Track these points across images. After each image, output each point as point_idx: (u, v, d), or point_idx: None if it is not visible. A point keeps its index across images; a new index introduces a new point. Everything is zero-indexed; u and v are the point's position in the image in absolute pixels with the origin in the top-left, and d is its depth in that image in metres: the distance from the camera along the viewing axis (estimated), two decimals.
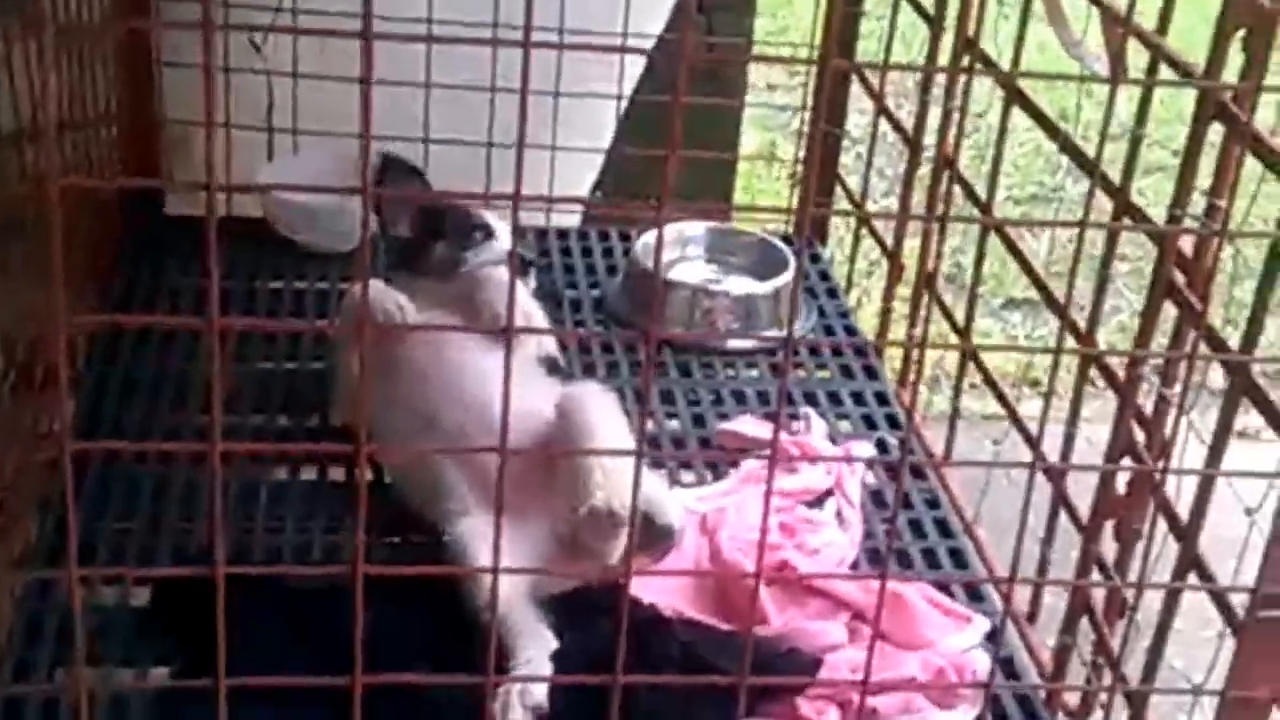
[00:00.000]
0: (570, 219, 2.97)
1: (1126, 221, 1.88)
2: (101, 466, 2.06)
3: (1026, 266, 2.22)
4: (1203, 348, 1.65)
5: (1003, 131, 2.21)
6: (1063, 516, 2.02)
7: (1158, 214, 1.94)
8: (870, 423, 2.38)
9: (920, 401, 2.57)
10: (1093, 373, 2.03)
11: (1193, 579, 1.65)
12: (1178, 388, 1.71)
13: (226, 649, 1.13)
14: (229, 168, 2.67)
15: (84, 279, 2.37)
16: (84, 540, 1.92)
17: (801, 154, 2.87)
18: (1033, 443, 2.08)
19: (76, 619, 1.14)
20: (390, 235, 2.23)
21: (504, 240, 2.21)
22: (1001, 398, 2.28)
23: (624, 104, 2.92)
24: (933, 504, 2.22)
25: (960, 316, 2.42)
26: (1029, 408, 3.11)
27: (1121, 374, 1.87)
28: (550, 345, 2.16)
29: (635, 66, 2.98)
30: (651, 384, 1.19)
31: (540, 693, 1.68)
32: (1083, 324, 1.98)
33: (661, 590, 1.90)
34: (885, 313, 2.70)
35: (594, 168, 3.13)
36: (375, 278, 2.15)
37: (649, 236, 2.65)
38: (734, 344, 2.55)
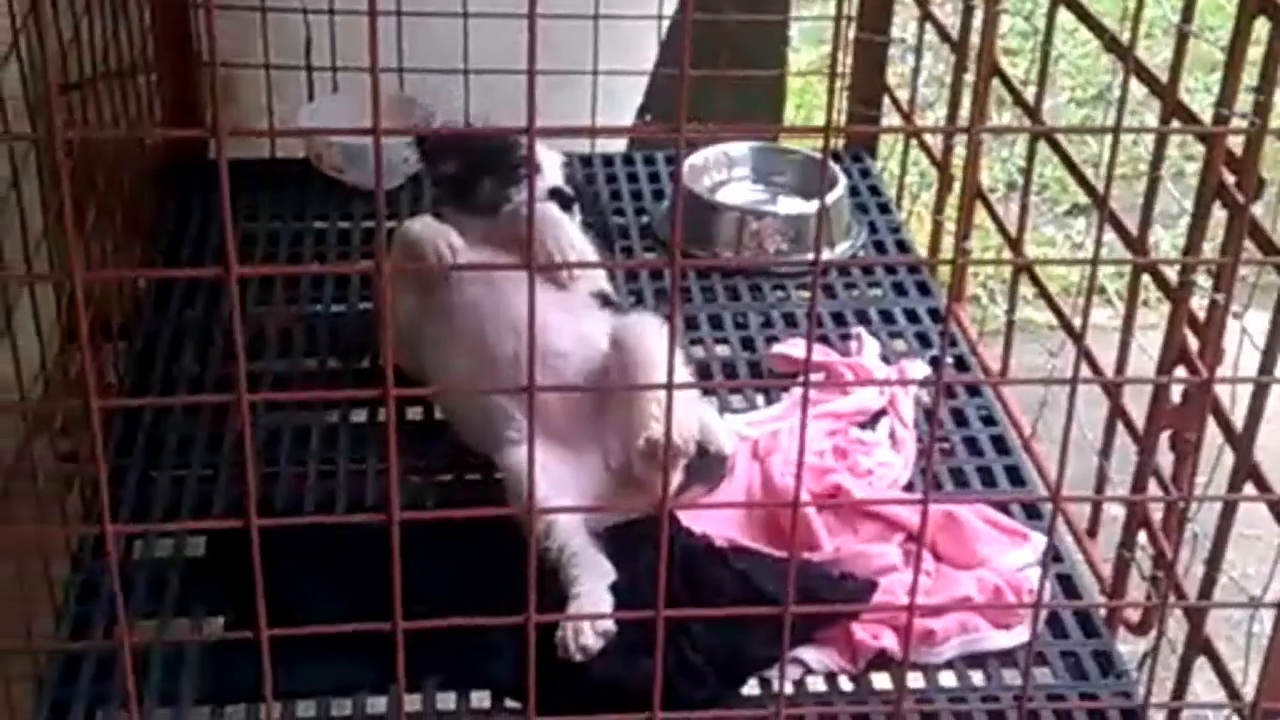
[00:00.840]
0: (616, 144, 2.94)
1: (1175, 124, 1.82)
2: (153, 418, 2.08)
3: (1078, 175, 2.17)
4: (1254, 249, 1.60)
5: (1048, 33, 2.15)
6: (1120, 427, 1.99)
7: (1209, 113, 1.88)
8: (924, 340, 2.34)
9: (977, 315, 2.53)
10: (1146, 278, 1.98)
11: (1249, 488, 1.61)
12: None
13: (276, 600, 1.13)
14: (270, 108, 2.70)
15: (130, 226, 2.38)
16: (139, 494, 1.95)
17: (844, 67, 2.81)
18: (1086, 356, 2.04)
19: (113, 577, 1.14)
20: (437, 172, 2.21)
21: (551, 174, 2.18)
22: (1056, 310, 2.23)
23: (665, 25, 2.88)
24: (989, 420, 2.19)
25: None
26: (1094, 316, 3.06)
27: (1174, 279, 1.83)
28: (602, 279, 2.14)
29: None
30: (679, 312, 1.17)
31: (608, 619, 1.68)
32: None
33: (713, 519, 1.89)
34: (935, 227, 2.65)
35: (639, 91, 3.10)
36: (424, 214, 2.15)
37: (695, 159, 2.62)
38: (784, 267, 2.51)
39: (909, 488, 2.03)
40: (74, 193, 0.99)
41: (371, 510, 1.87)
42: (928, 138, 2.71)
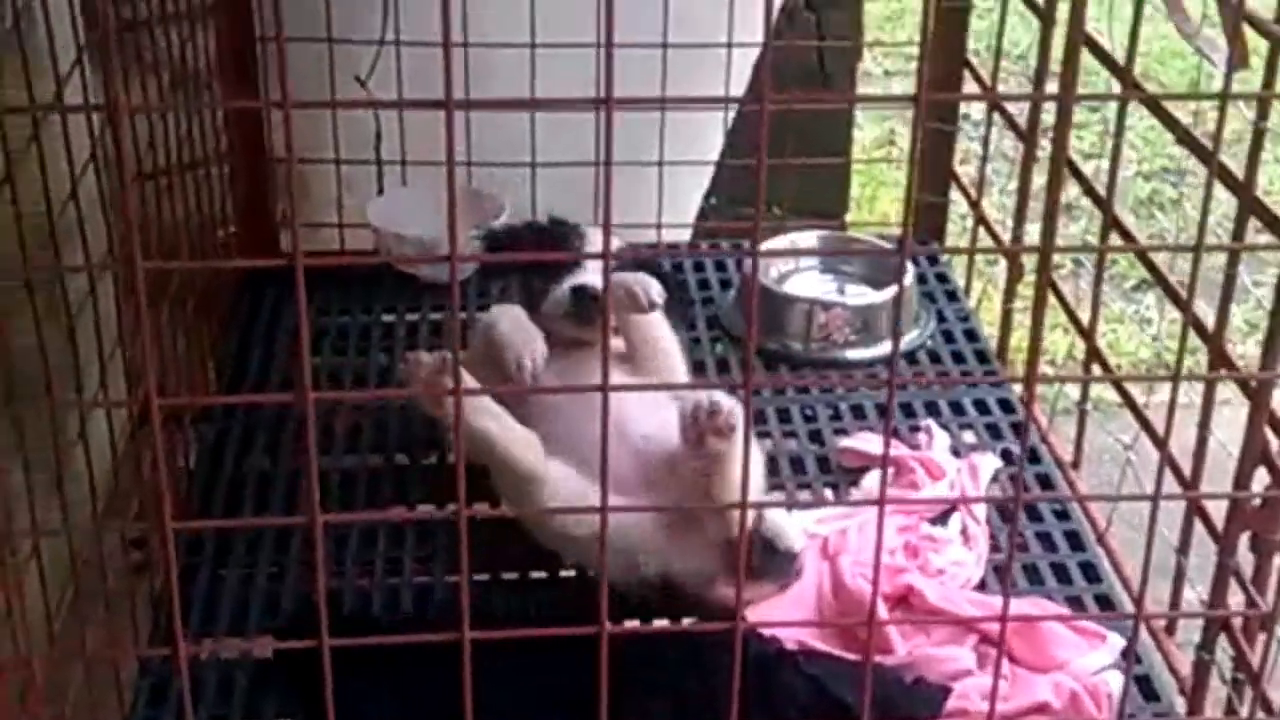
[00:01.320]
0: (681, 233, 2.95)
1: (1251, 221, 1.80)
2: (224, 513, 2.09)
3: (1147, 262, 2.15)
4: None
5: (1119, 132, 2.14)
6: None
7: None
8: (995, 431, 2.32)
9: (1049, 394, 2.49)
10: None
11: None
12: None
13: (345, 705, 1.13)
14: (340, 204, 2.72)
15: (203, 317, 2.40)
16: (208, 592, 1.95)
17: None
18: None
19: (185, 697, 1.14)
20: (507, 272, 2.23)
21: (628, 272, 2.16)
22: (1130, 403, 2.20)
23: (731, 113, 2.89)
24: (1061, 515, 2.15)
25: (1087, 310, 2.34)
26: (1165, 393, 3.01)
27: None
28: (681, 370, 2.14)
29: (743, 73, 2.94)
30: (751, 438, 1.16)
31: None
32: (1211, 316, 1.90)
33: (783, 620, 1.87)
34: (1005, 316, 2.63)
35: (704, 180, 3.10)
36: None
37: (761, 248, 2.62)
38: (852, 355, 2.49)
39: (981, 586, 2.01)
40: (149, 285, 1.00)
41: (440, 616, 1.87)
42: (998, 229, 2.69)
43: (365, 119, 2.70)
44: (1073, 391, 2.48)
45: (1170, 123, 2.02)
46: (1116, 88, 2.20)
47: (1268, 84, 1.75)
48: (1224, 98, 1.12)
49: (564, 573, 1.99)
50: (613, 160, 1.04)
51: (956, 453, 2.24)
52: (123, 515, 1.92)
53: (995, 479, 2.19)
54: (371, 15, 2.66)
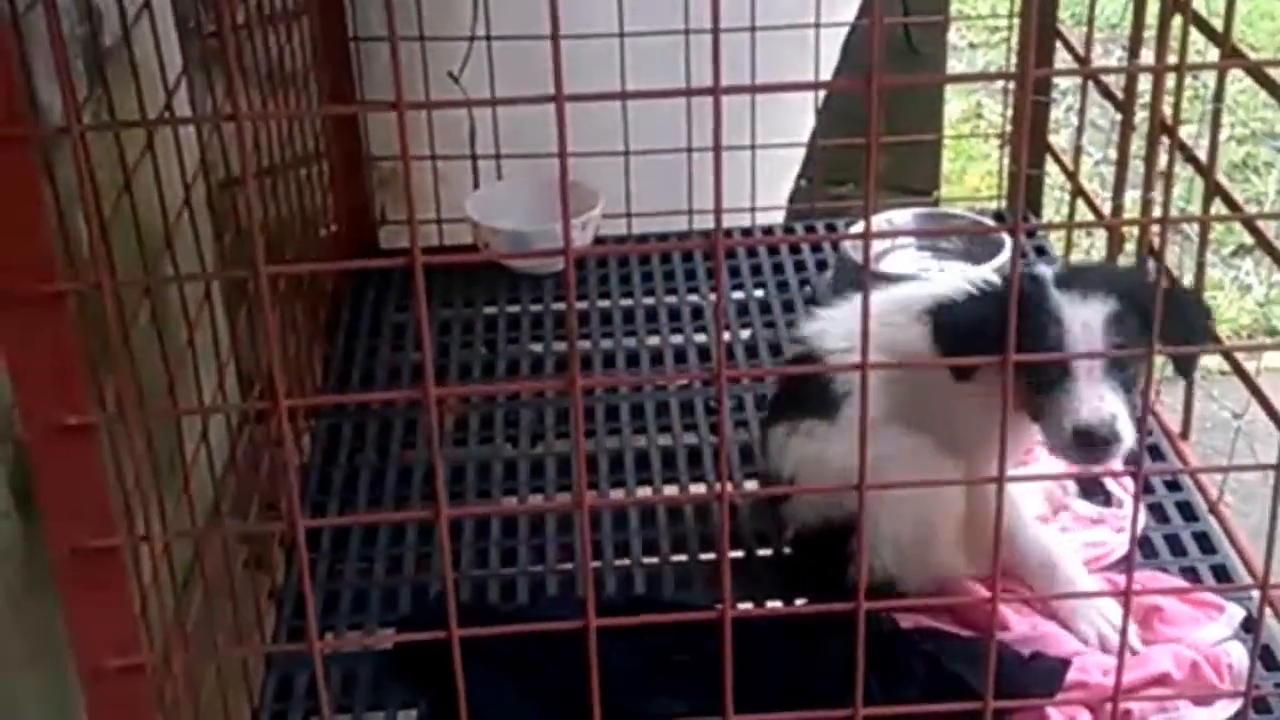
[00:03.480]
0: (775, 215, 2.95)
1: None
2: (339, 507, 2.13)
3: (1252, 228, 2.12)
4: None
5: (1219, 97, 2.11)
6: None
7: None
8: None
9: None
10: None
11: None
12: None
13: (469, 695, 1.15)
14: (437, 198, 2.75)
15: (309, 314, 2.44)
16: (327, 585, 1.99)
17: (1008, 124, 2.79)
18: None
19: (321, 692, 1.17)
20: None
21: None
22: (1240, 370, 2.17)
23: (822, 94, 2.89)
24: (1173, 486, 2.14)
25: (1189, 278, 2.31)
26: (1272, 358, 2.98)
27: None
28: None
29: (830, 55, 2.94)
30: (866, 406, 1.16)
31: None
32: None
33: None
34: None
35: (796, 161, 3.10)
36: None
37: (857, 228, 2.61)
38: None
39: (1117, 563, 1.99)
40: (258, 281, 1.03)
41: (554, 605, 1.89)
42: (1095, 199, 2.67)
43: (459, 115, 2.73)
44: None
45: (1271, 86, 1.99)
46: (1212, 53, 2.17)
47: None
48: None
49: (674, 557, 2.01)
50: (719, 147, 1.05)
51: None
52: (243, 512, 1.97)
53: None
54: (462, 11, 2.69)
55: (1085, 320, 1.68)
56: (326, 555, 2.05)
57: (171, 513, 1.59)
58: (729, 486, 2.10)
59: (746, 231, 2.82)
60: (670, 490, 2.14)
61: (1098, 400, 1.66)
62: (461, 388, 2.28)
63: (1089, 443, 1.67)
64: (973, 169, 4.82)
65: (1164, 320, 1.49)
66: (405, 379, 2.40)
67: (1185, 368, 1.86)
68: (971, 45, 5.76)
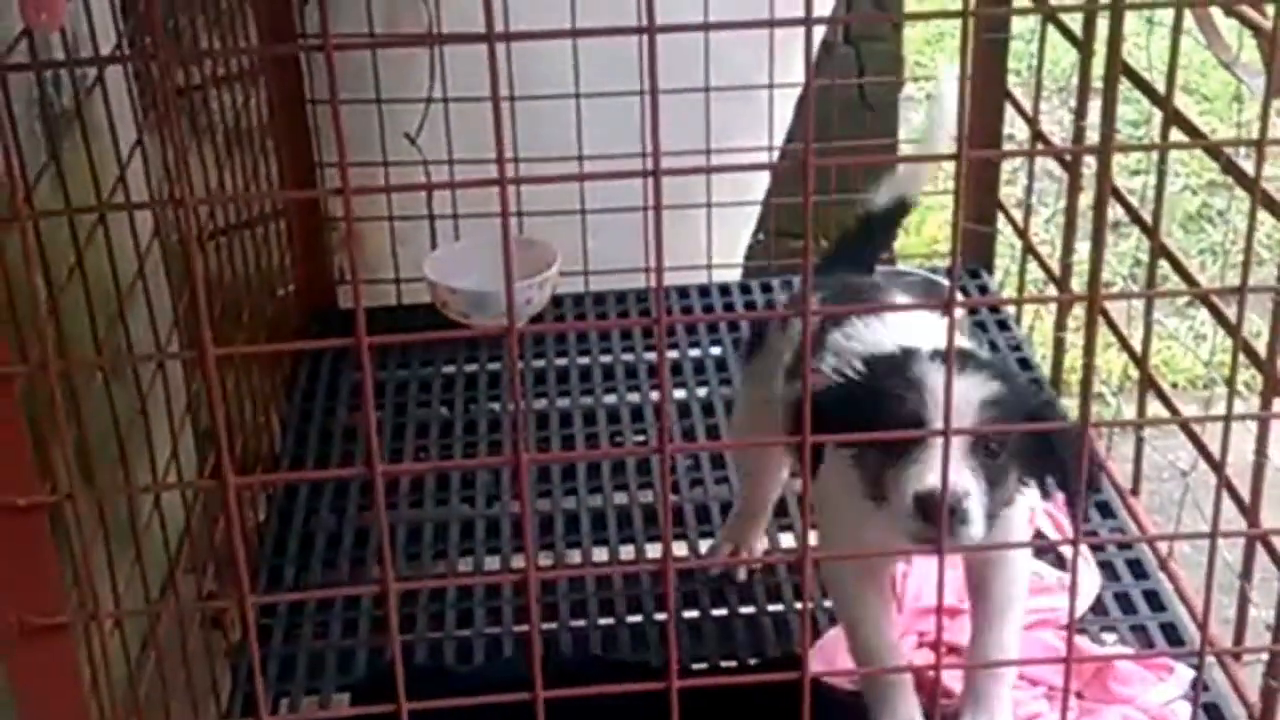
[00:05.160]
0: (731, 274, 2.97)
1: None
2: (295, 575, 2.14)
3: (1194, 285, 2.15)
4: None
5: (1161, 173, 2.15)
6: None
7: None
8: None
9: (1104, 414, 2.47)
10: None
11: None
12: None
13: None
14: (395, 258, 2.77)
15: (264, 374, 2.45)
16: (284, 653, 1.99)
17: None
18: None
19: None
20: None
21: None
22: (1189, 433, 2.19)
23: (775, 154, 2.92)
24: (1124, 544, 2.16)
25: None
26: (1251, 404, 3.01)
27: None
28: None
29: (785, 114, 2.97)
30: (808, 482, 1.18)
31: None
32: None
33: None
34: (1058, 344, 2.63)
35: (753, 217, 3.13)
36: None
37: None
38: None
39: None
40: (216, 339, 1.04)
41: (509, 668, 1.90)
42: (1042, 249, 2.71)
43: (417, 174, 2.75)
44: (1129, 410, 2.48)
45: (1214, 153, 2.03)
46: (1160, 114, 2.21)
47: None
48: (1260, 144, 1.13)
49: (630, 618, 2.02)
50: (660, 231, 1.07)
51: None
52: (200, 570, 1.97)
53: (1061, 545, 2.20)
54: (419, 74, 2.71)
55: (959, 394, 1.41)
56: (283, 618, 2.05)
57: (124, 583, 1.59)
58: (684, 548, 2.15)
59: (704, 290, 2.85)
60: (626, 551, 2.15)
61: (953, 474, 1.33)
62: (408, 465, 2.29)
63: (927, 513, 1.49)
64: (932, 219, 4.87)
65: (1035, 452, 1.52)
66: (362, 440, 2.41)
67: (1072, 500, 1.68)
68: (929, 96, 5.82)
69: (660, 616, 2.02)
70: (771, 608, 2.04)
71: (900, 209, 2.10)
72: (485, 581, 2.06)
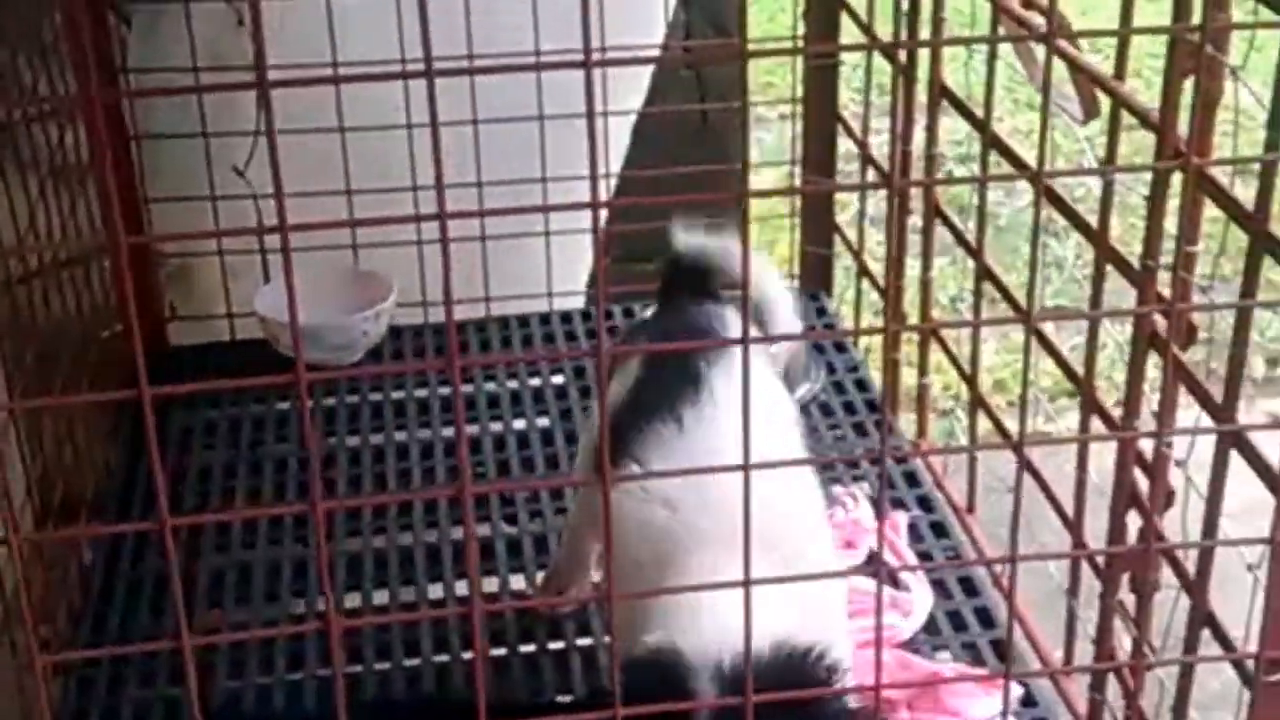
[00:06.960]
0: (574, 301, 2.97)
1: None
2: (120, 621, 2.09)
3: (1015, 305, 2.20)
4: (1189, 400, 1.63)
5: (984, 185, 2.19)
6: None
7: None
8: (892, 482, 2.35)
9: (945, 430, 2.50)
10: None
11: (1207, 635, 1.62)
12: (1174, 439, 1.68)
13: None
14: (227, 293, 2.72)
15: (94, 413, 2.39)
16: (106, 705, 1.94)
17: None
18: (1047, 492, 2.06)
19: None
20: None
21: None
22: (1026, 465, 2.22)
23: (614, 181, 2.92)
24: (956, 560, 2.19)
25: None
26: (1069, 419, 3.07)
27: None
28: None
29: (621, 140, 2.98)
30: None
31: None
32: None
33: None
34: (892, 365, 2.66)
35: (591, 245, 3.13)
36: None
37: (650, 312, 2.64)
38: None
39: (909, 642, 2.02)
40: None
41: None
42: (877, 273, 2.74)
43: (246, 208, 2.70)
44: (961, 433, 2.52)
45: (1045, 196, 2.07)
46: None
47: (1110, 133, 1.81)
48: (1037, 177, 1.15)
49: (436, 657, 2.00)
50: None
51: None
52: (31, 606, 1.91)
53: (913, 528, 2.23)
54: (248, 106, 2.67)
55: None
56: (105, 670, 1.99)
57: None
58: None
59: (544, 318, 2.84)
60: (435, 589, 2.14)
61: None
62: (198, 515, 2.24)
63: None
64: (783, 239, 4.90)
65: None
66: (191, 482, 2.37)
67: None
68: (782, 117, 5.86)
69: (468, 655, 2.00)
70: (581, 642, 2.03)
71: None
72: (283, 633, 2.03)
